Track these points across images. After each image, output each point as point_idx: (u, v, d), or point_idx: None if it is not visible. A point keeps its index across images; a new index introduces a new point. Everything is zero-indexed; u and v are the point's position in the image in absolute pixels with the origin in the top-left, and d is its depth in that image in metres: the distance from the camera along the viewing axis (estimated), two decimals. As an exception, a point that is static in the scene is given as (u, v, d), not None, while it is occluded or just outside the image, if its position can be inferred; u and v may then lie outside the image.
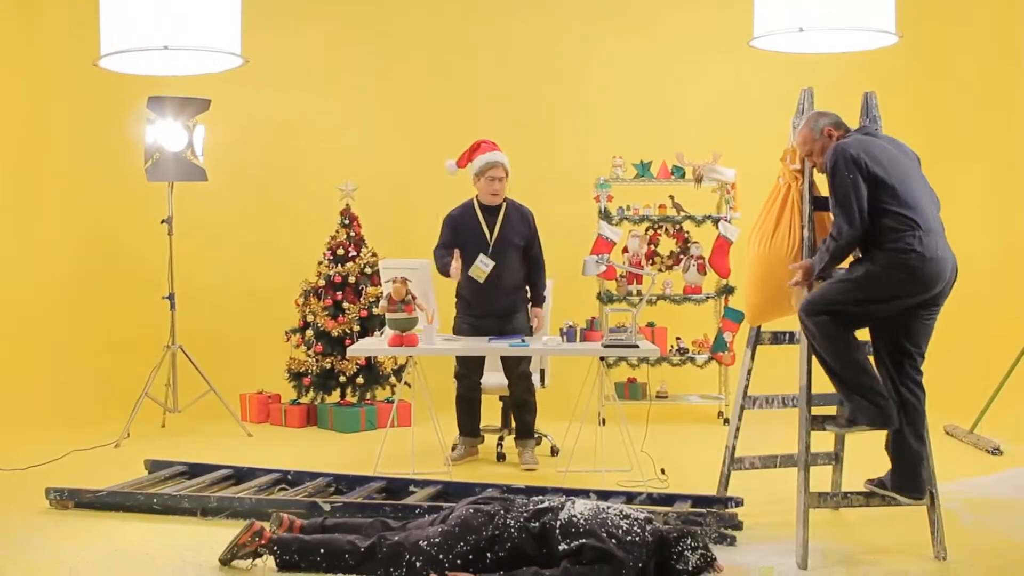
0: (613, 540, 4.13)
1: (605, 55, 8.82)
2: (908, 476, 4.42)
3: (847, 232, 4.30)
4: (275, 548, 4.32)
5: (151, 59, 5.28)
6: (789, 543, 4.56)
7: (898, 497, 4.46)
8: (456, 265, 6.18)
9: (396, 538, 4.30)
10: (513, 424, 6.69)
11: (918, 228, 4.29)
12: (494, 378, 6.60)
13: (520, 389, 6.46)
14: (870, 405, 4.32)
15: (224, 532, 4.63)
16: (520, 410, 6.51)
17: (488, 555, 4.18)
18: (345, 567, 4.26)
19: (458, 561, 4.18)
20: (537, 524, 4.22)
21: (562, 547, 4.13)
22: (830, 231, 4.41)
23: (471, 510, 4.33)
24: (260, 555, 4.33)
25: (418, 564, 4.20)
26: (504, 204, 6.39)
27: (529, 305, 6.53)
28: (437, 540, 4.23)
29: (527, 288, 6.53)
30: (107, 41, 5.05)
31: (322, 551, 4.29)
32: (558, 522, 4.21)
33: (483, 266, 6.30)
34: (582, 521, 4.19)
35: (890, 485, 4.47)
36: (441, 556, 4.19)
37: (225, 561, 4.36)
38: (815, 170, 4.65)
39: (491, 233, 6.34)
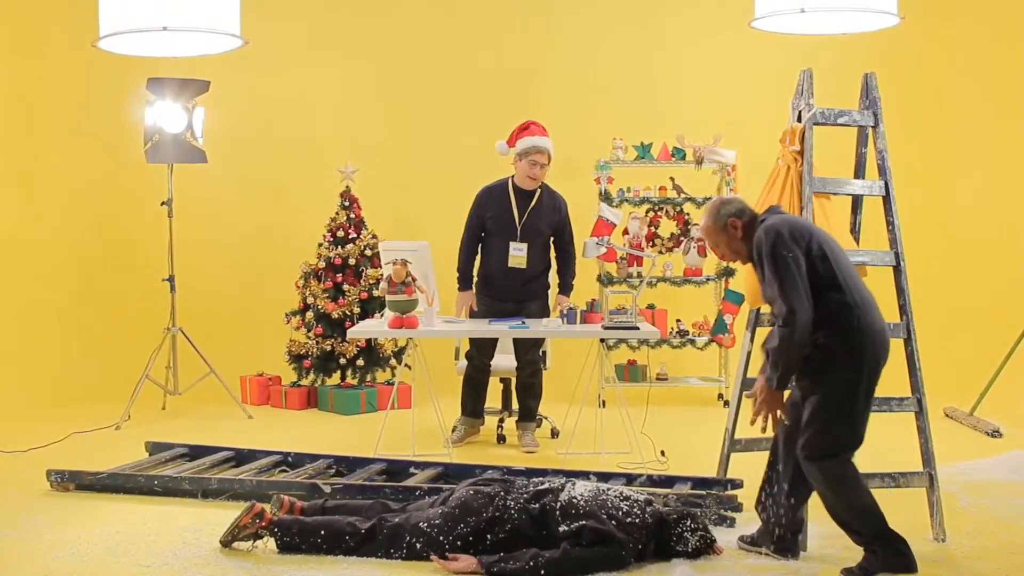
0: (613, 522, 4.14)
1: (606, 36, 8.79)
2: (785, 542, 4.30)
3: (802, 315, 3.87)
4: (276, 530, 4.32)
5: (150, 40, 5.26)
6: (788, 525, 4.56)
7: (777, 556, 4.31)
8: (463, 306, 6.45)
9: (396, 520, 4.31)
10: (514, 406, 6.70)
11: (858, 307, 3.96)
12: (505, 361, 6.62)
13: (527, 373, 6.47)
14: (895, 555, 4.00)
15: (225, 514, 4.64)
16: (525, 393, 6.52)
17: (488, 536, 4.19)
18: (346, 548, 4.27)
19: (458, 543, 4.19)
20: (537, 506, 4.23)
21: (562, 528, 4.14)
22: (777, 324, 3.94)
23: (471, 492, 4.34)
24: (261, 537, 4.34)
25: (418, 545, 4.21)
26: (539, 190, 6.37)
27: (557, 292, 6.53)
28: (437, 522, 4.24)
29: (548, 276, 6.54)
30: (106, 22, 5.03)
31: (323, 533, 4.30)
32: (558, 503, 4.22)
33: (518, 252, 6.33)
34: (582, 503, 4.20)
35: (765, 544, 4.32)
36: (441, 538, 4.20)
37: (226, 543, 4.37)
38: (722, 259, 4.36)
39: (520, 217, 6.32)
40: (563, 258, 6.54)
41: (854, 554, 4.33)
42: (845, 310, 3.97)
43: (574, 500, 4.22)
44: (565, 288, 6.52)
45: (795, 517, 4.29)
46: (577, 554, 4.06)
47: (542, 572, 4.00)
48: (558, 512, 4.20)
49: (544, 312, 6.44)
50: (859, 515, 4.05)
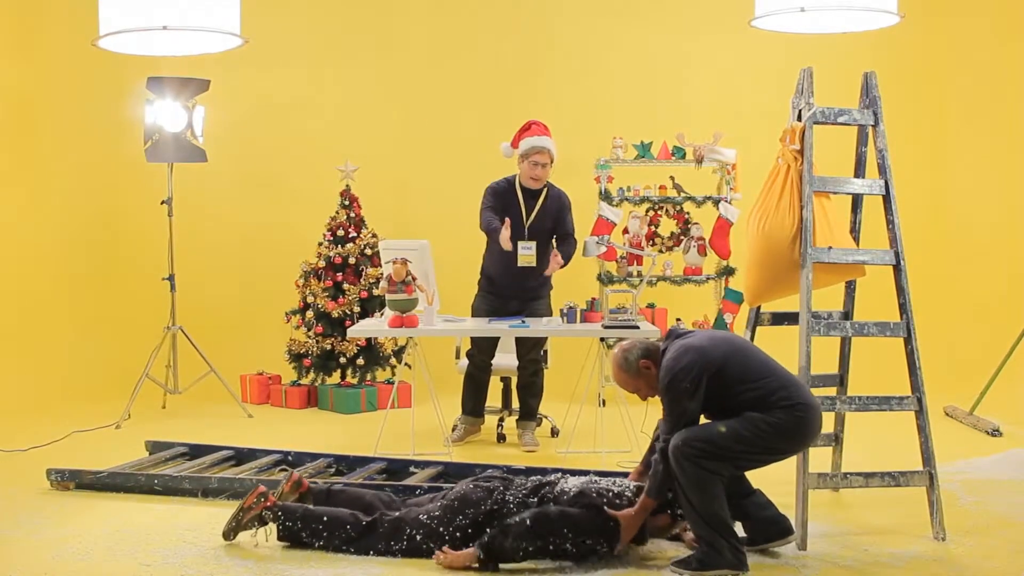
0: (603, 499, 4.19)
1: (606, 34, 8.78)
2: (772, 523, 4.38)
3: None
4: (279, 513, 4.35)
5: (150, 39, 5.26)
6: (788, 523, 4.57)
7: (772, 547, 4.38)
8: (507, 234, 6.09)
9: (397, 514, 4.34)
10: (514, 405, 6.70)
11: (784, 388, 4.09)
12: (506, 360, 6.62)
13: (529, 372, 6.47)
14: (731, 548, 4.05)
15: (225, 513, 4.63)
16: (525, 392, 6.52)
17: (487, 529, 4.20)
18: (346, 537, 4.29)
19: (457, 534, 4.21)
20: (536, 499, 4.27)
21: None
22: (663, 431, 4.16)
23: (471, 485, 4.37)
24: (265, 520, 4.36)
25: (418, 537, 4.24)
26: (545, 189, 6.37)
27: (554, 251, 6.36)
28: (437, 514, 4.27)
29: (551, 275, 6.48)
30: (106, 21, 5.03)
31: (325, 519, 4.33)
32: (553, 495, 4.26)
33: (527, 251, 6.29)
34: (574, 490, 4.25)
35: (762, 539, 4.38)
36: (441, 529, 4.22)
37: (228, 532, 4.40)
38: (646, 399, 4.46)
39: (528, 217, 6.32)
40: (565, 240, 6.39)
41: (854, 553, 4.34)
42: (778, 391, 4.06)
43: (566, 489, 4.27)
44: (564, 256, 6.33)
45: (759, 500, 4.36)
46: (567, 512, 4.11)
47: (528, 522, 4.06)
48: (552, 501, 4.23)
49: (548, 312, 6.44)
50: (712, 513, 4.05)
